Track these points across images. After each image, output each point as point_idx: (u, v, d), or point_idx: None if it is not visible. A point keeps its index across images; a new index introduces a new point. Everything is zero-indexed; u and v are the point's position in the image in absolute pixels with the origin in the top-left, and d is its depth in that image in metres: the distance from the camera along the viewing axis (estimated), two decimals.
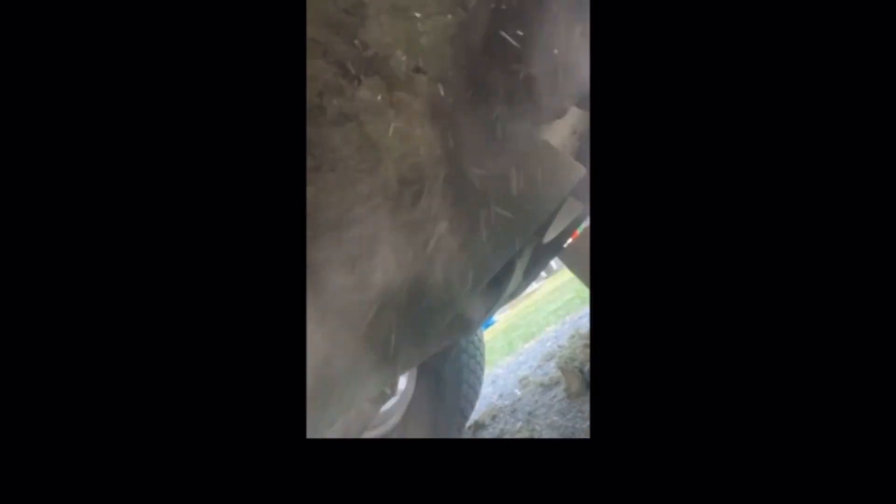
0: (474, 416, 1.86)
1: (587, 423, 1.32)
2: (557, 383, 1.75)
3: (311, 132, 0.50)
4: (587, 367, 1.54)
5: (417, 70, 0.56)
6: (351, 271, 0.70)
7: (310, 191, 0.59)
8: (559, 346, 2.29)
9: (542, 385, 1.86)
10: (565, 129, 1.13)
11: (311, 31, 0.41)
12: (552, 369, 1.94)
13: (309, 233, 0.63)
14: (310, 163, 0.55)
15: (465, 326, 1.04)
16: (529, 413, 1.65)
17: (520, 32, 0.67)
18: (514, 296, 1.57)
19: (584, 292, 2.91)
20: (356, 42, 0.45)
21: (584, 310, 2.81)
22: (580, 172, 0.90)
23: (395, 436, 1.51)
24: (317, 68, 0.45)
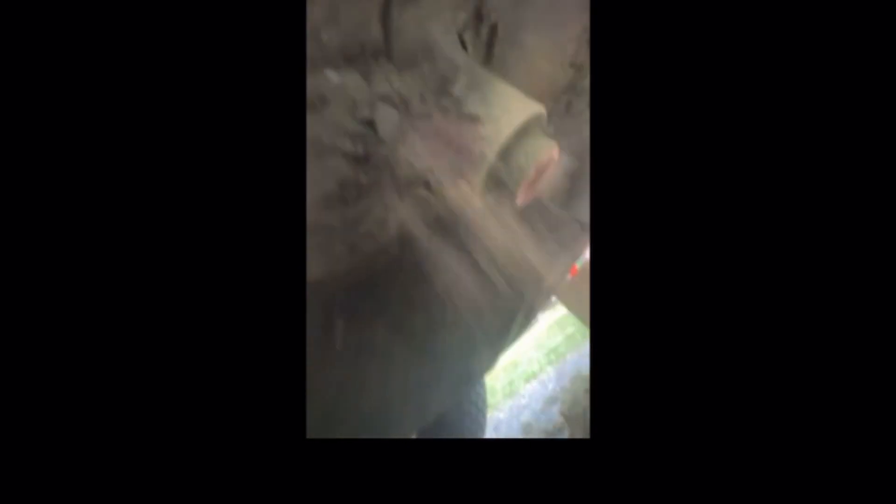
0: None
1: None
2: (561, 430, 1.76)
3: None
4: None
5: None
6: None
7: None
8: (561, 389, 2.30)
9: (546, 432, 1.87)
10: (556, 171, 1.21)
11: None
12: (555, 415, 1.95)
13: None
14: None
15: (469, 379, 1.07)
16: None
17: None
18: (515, 339, 1.61)
19: (585, 328, 2.94)
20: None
21: (586, 348, 2.83)
22: (575, 227, 0.97)
23: None
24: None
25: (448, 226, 0.68)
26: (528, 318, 1.45)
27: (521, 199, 0.51)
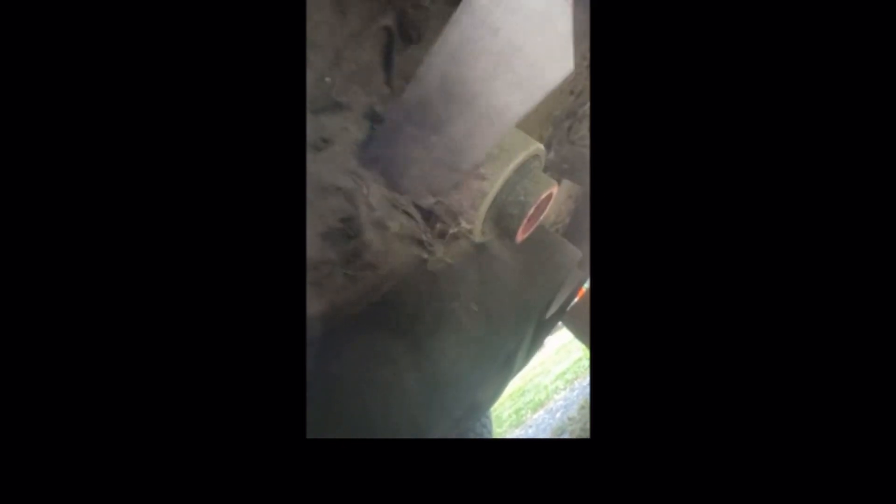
0: None
1: None
2: None
3: None
4: None
5: None
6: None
7: None
8: (569, 419, 2.26)
9: None
10: (560, 195, 1.23)
11: None
12: None
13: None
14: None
15: (475, 411, 1.06)
16: None
17: None
18: (522, 367, 1.59)
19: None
20: None
21: None
22: (577, 255, 0.98)
23: None
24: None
25: (449, 260, 0.69)
26: (534, 345, 1.44)
27: (520, 234, 0.52)
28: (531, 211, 0.50)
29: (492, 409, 1.94)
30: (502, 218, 0.50)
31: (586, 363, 3.22)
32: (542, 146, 0.52)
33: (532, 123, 0.82)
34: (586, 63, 0.89)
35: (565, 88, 0.95)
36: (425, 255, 0.50)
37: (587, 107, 1.05)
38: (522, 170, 0.50)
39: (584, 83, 0.97)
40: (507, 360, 1.02)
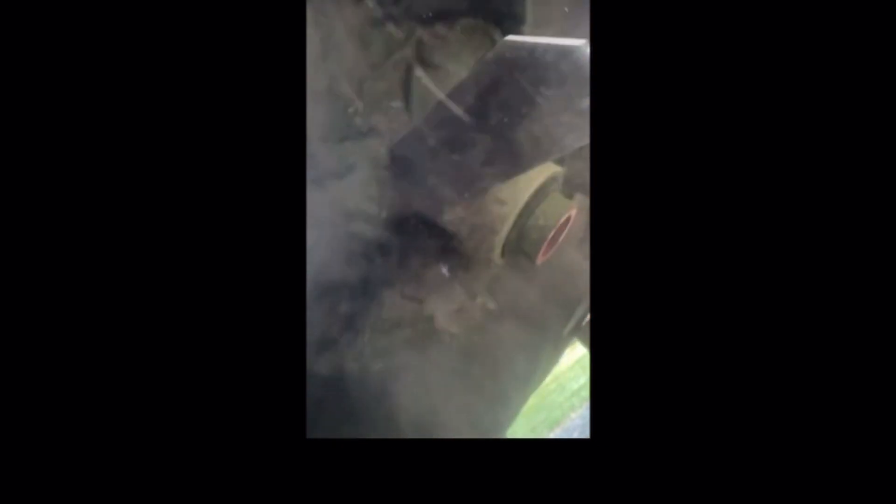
0: None
1: None
2: None
3: None
4: None
5: None
6: None
7: None
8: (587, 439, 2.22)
9: None
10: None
11: None
12: None
13: None
14: None
15: (495, 430, 1.05)
16: None
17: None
18: (540, 382, 1.57)
19: None
20: None
21: None
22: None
23: None
24: None
25: (472, 279, 0.70)
26: (550, 362, 1.43)
27: (540, 257, 0.53)
28: (551, 234, 0.51)
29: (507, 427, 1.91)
30: (522, 242, 0.51)
31: None
32: (560, 168, 0.53)
33: (549, 143, 0.84)
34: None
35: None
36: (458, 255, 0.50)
37: None
38: (541, 193, 0.51)
39: None
40: (523, 378, 1.02)
